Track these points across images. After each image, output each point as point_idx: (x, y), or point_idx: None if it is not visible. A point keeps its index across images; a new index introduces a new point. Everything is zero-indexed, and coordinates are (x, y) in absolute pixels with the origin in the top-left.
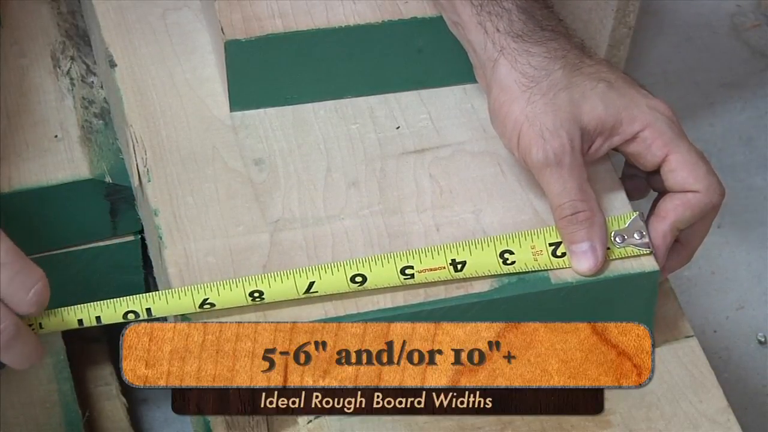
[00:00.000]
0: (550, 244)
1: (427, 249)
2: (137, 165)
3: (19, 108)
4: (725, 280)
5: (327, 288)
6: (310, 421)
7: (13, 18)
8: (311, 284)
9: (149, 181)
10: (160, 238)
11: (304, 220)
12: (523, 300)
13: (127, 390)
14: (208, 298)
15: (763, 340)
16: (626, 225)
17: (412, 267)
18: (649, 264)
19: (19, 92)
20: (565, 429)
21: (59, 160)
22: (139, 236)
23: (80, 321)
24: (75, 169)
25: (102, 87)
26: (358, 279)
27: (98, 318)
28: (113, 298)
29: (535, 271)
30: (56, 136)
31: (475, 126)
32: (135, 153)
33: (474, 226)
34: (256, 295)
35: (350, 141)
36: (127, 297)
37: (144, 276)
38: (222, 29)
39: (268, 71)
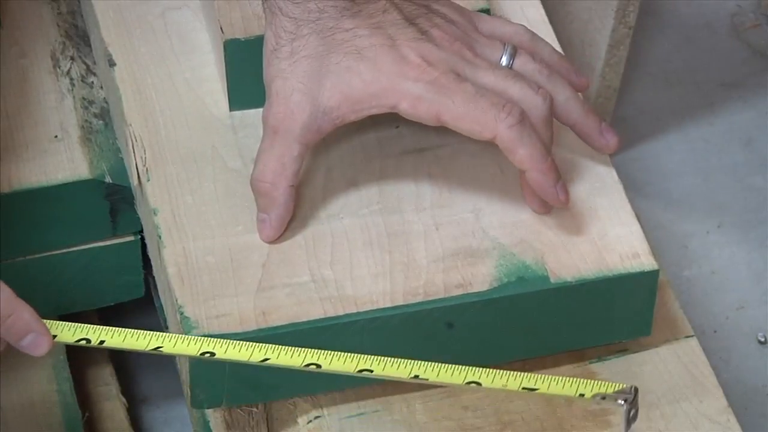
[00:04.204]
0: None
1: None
2: (136, 164)
3: (19, 108)
4: (725, 280)
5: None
6: (310, 421)
7: (13, 18)
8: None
9: (148, 180)
10: (159, 237)
11: (303, 220)
12: (522, 299)
13: (127, 390)
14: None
15: (763, 340)
16: (613, 391)
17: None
18: (648, 263)
19: (19, 92)
20: (565, 429)
21: (59, 161)
22: (139, 236)
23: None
24: (75, 169)
25: (102, 87)
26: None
27: (55, 336)
28: (112, 298)
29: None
30: (56, 137)
31: None
32: (134, 152)
33: (473, 226)
34: (208, 354)
35: (349, 140)
36: (84, 325)
37: (144, 276)
38: (221, 28)
39: None
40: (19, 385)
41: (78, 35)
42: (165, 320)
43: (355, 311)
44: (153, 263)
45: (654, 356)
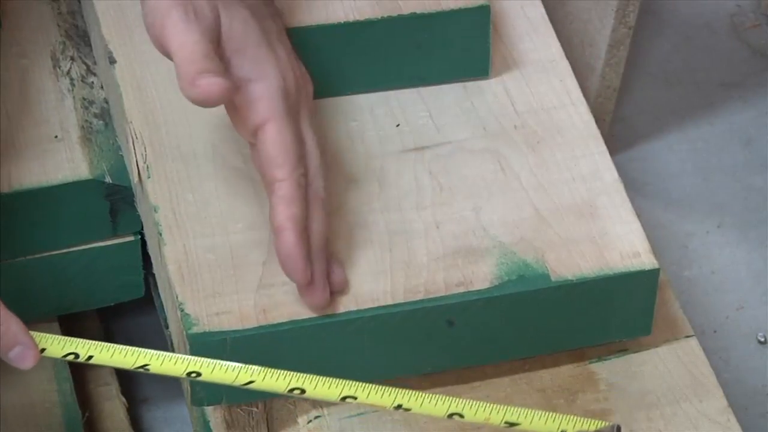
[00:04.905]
0: None
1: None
2: (137, 162)
3: (19, 108)
4: (725, 280)
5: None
6: (310, 421)
7: (14, 18)
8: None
9: (149, 177)
10: (160, 234)
11: None
12: (522, 297)
13: (127, 390)
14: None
15: (763, 340)
16: (595, 429)
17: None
18: (649, 262)
19: (19, 92)
20: None
21: (59, 161)
22: (139, 236)
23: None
24: (75, 169)
25: (102, 87)
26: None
27: (43, 350)
28: (112, 298)
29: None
30: (56, 137)
31: (475, 124)
32: (135, 149)
33: (474, 224)
34: (194, 374)
35: (350, 139)
36: (73, 339)
37: (144, 276)
38: None
39: None
40: (19, 385)
41: (78, 35)
42: (165, 319)
43: (355, 309)
44: (153, 261)
45: (654, 356)
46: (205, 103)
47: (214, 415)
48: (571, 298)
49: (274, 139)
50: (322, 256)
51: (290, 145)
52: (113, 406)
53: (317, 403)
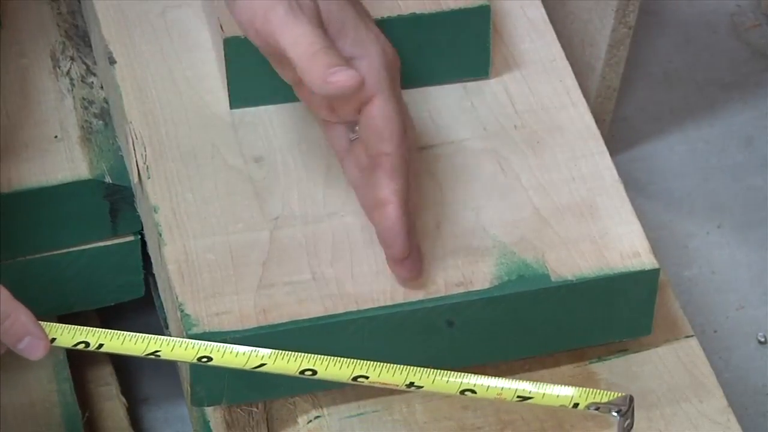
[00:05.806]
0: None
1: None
2: (137, 162)
3: (19, 108)
4: (725, 280)
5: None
6: (310, 421)
7: (13, 18)
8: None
9: (149, 177)
10: (160, 235)
11: (304, 218)
12: (523, 297)
13: (127, 390)
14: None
15: (763, 340)
16: (608, 400)
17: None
18: (649, 262)
19: (19, 92)
20: (565, 429)
21: (59, 161)
22: (139, 236)
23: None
24: (75, 169)
25: (102, 87)
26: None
27: (53, 339)
28: (112, 298)
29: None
30: (56, 137)
31: (475, 124)
32: (134, 150)
33: (474, 224)
34: (205, 359)
35: None
36: (83, 328)
37: (144, 276)
38: (221, 26)
39: (268, 68)
40: (19, 385)
41: (78, 35)
42: (165, 319)
43: (355, 309)
44: (153, 261)
45: (654, 356)
46: (339, 96)
47: (214, 415)
48: (571, 298)
49: (383, 113)
50: (414, 231)
51: (396, 118)
52: (113, 406)
53: (317, 403)
